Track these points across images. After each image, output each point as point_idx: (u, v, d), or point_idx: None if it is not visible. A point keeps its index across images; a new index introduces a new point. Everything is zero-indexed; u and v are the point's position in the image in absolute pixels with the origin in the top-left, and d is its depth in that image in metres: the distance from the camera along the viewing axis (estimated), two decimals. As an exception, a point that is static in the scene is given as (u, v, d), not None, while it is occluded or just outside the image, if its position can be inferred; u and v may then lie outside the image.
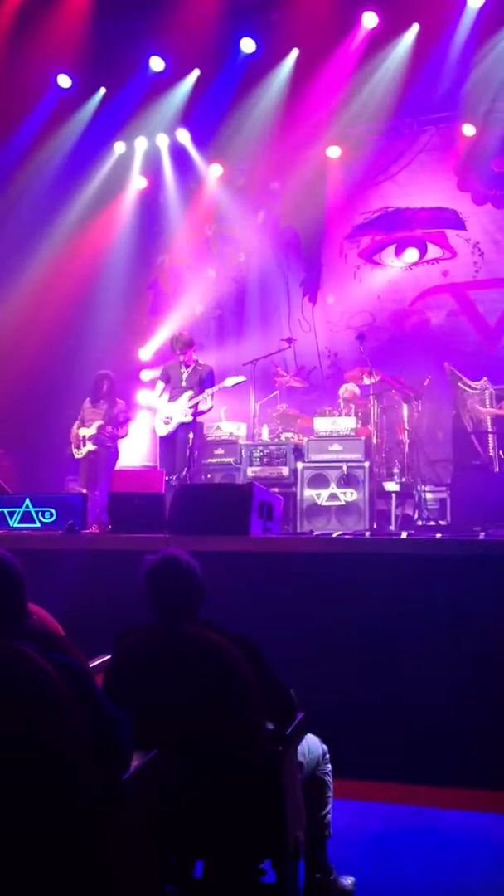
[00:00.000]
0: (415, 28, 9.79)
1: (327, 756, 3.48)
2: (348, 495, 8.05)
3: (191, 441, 8.28)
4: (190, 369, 8.65)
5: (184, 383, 8.59)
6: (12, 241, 10.26)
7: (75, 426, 9.07)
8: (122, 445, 9.39)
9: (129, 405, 10.52)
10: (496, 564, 4.87)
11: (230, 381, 8.45)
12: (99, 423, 8.92)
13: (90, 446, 8.91)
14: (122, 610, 3.27)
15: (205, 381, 8.58)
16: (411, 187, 10.83)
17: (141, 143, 11.43)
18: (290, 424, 9.13)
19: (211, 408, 8.63)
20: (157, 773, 2.64)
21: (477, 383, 8.52)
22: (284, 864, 2.94)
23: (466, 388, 8.52)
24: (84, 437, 8.94)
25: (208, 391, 8.44)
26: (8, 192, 10.27)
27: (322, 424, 8.50)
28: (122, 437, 9.19)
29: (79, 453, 8.99)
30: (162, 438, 8.74)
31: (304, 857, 3.20)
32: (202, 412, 8.55)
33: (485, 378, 8.55)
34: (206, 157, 11.40)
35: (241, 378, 8.52)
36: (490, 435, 8.30)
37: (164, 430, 8.63)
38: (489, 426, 8.35)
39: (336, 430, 8.40)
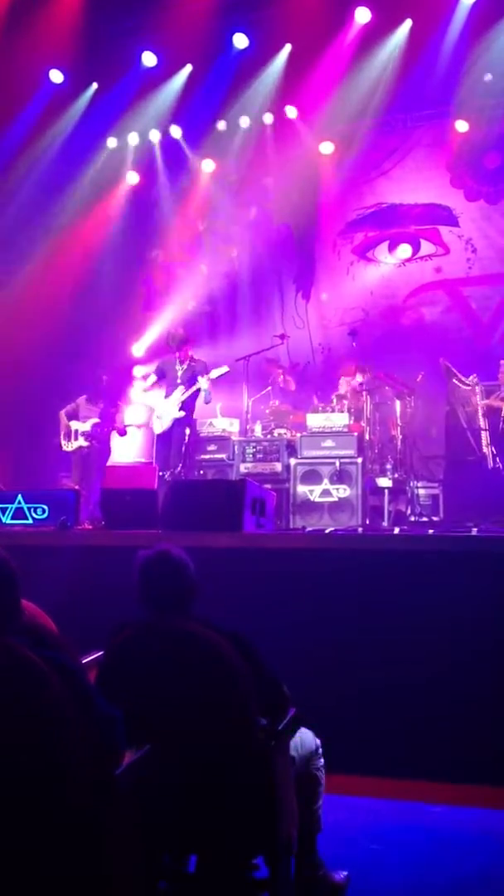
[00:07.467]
0: (408, 24, 9.79)
1: (320, 751, 3.48)
2: (341, 491, 8.05)
3: (187, 437, 8.29)
4: (185, 366, 8.67)
5: (178, 380, 8.62)
6: (5, 237, 10.23)
7: (64, 417, 9.04)
8: (115, 442, 9.39)
9: (122, 400, 10.53)
10: (489, 560, 4.88)
11: (214, 373, 8.45)
12: (94, 420, 8.93)
13: (82, 441, 8.90)
14: (115, 606, 3.27)
15: (199, 375, 8.59)
16: (404, 183, 10.83)
17: (133, 139, 11.40)
18: (282, 420, 9.12)
19: (210, 396, 8.55)
20: (149, 768, 2.64)
21: (469, 379, 8.62)
22: (277, 860, 2.94)
23: (460, 384, 8.61)
24: (76, 430, 8.92)
25: (201, 379, 8.41)
26: (0, 188, 10.24)
27: (315, 420, 8.50)
28: (121, 435, 9.24)
29: (69, 446, 8.97)
30: (158, 435, 8.76)
31: (295, 851, 3.20)
32: (201, 398, 8.50)
33: (474, 375, 8.65)
34: (199, 153, 11.39)
35: (225, 368, 8.50)
36: (483, 432, 8.35)
37: (159, 428, 8.67)
38: (482, 423, 8.40)
39: (329, 427, 8.40)
